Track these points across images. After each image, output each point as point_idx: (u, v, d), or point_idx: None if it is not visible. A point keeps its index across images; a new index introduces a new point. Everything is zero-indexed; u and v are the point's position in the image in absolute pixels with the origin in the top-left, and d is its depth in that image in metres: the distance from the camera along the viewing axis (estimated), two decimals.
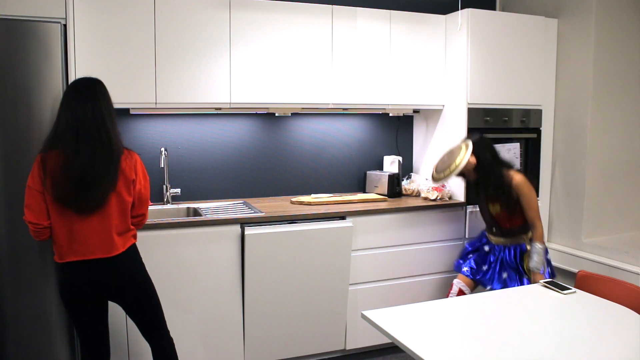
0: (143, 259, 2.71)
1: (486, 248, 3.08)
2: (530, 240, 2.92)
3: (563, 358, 1.70)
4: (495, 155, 2.98)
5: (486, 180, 2.94)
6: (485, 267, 3.04)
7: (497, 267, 2.99)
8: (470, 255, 3.13)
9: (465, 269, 3.08)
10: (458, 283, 3.04)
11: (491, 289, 2.96)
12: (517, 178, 2.88)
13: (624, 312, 2.04)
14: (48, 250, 2.39)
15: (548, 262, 2.98)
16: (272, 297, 2.98)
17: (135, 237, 2.32)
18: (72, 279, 2.17)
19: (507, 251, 2.99)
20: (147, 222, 2.75)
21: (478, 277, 3.05)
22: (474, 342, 1.80)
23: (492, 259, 3.03)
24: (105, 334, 2.32)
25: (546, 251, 2.95)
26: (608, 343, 1.81)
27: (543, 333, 1.88)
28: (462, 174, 2.99)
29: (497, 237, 3.04)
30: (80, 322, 2.24)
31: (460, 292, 3.02)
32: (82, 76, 2.25)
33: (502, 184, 2.89)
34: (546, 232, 3.85)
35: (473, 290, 3.08)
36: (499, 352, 1.73)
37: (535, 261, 2.83)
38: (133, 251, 2.30)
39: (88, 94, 2.16)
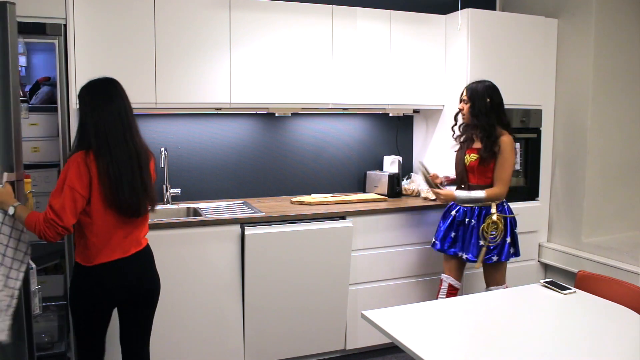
0: None
1: (453, 212, 3.03)
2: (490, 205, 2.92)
3: (563, 358, 1.70)
4: (497, 105, 2.94)
5: (475, 124, 2.93)
6: (453, 234, 3.02)
7: (468, 235, 2.96)
8: (441, 228, 3.10)
9: (436, 242, 3.08)
10: (446, 278, 3.07)
11: (467, 259, 2.96)
12: (506, 137, 2.89)
13: (624, 312, 2.04)
14: None
15: (514, 235, 2.98)
16: (272, 297, 2.98)
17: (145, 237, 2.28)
18: (102, 280, 2.09)
19: (473, 214, 2.95)
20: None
21: (452, 249, 3.03)
22: (474, 342, 1.80)
23: (457, 221, 3.00)
24: (104, 342, 2.29)
25: (514, 223, 2.98)
26: (608, 343, 1.81)
27: (543, 333, 1.88)
28: (456, 119, 3.08)
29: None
30: (92, 328, 2.17)
31: (450, 287, 3.05)
32: (98, 77, 2.16)
33: (489, 132, 2.89)
34: (546, 232, 3.85)
35: (461, 278, 3.10)
36: (498, 352, 1.73)
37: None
38: (150, 250, 2.28)
39: (111, 95, 2.10)
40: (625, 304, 2.11)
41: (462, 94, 3.01)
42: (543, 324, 1.98)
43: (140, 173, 2.09)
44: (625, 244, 3.47)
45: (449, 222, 3.04)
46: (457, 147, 3.09)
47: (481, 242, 2.91)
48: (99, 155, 2.01)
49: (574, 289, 2.26)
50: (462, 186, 3.02)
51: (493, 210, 2.91)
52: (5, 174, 2.14)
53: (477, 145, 2.96)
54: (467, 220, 2.97)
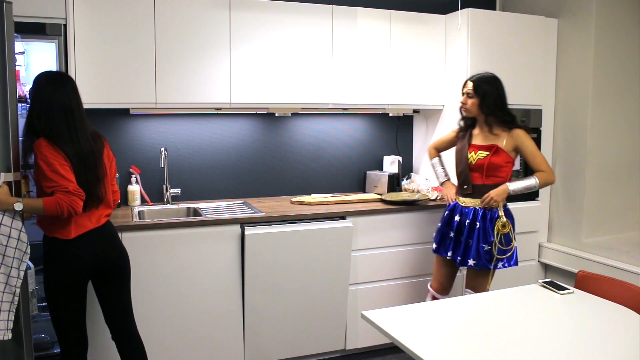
0: (143, 260, 2.73)
1: (456, 217, 2.89)
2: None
3: (563, 358, 1.70)
4: (503, 97, 2.85)
5: (490, 116, 2.80)
6: (454, 237, 2.88)
7: (474, 239, 2.80)
8: (444, 233, 2.97)
9: (434, 246, 3.00)
10: (430, 291, 3.07)
11: (469, 265, 2.82)
12: (519, 129, 2.81)
13: (624, 312, 2.04)
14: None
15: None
16: (272, 297, 2.98)
17: (108, 216, 2.41)
18: (78, 251, 2.22)
19: (477, 217, 2.81)
20: (147, 222, 2.78)
21: (449, 254, 2.90)
22: (473, 342, 1.80)
23: (459, 224, 2.87)
24: (85, 331, 2.35)
25: (512, 219, 2.84)
26: (608, 343, 1.81)
27: (543, 333, 1.88)
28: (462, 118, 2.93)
29: (468, 197, 2.86)
30: (70, 307, 2.25)
31: (434, 299, 2.99)
32: (53, 70, 2.32)
33: (505, 124, 2.81)
34: (546, 232, 3.85)
35: (450, 288, 3.04)
36: (498, 352, 1.73)
37: (515, 188, 2.78)
38: (112, 225, 2.44)
39: (64, 85, 2.23)
40: (625, 304, 2.12)
41: (465, 85, 2.88)
42: (542, 324, 1.98)
43: (92, 169, 2.24)
44: (625, 244, 3.47)
45: (454, 226, 2.90)
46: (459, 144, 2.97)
47: (486, 247, 2.78)
48: (57, 144, 2.14)
49: (572, 289, 2.27)
50: (465, 187, 2.88)
51: (501, 212, 2.79)
52: (2, 174, 2.15)
53: (482, 141, 2.83)
54: (468, 222, 2.83)
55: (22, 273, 2.18)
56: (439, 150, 3.18)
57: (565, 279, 3.48)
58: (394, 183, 3.63)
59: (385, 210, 3.27)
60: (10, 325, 2.15)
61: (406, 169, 3.96)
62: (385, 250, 3.28)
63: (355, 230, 3.16)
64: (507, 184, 2.81)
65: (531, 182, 2.81)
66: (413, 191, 3.65)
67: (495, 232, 2.79)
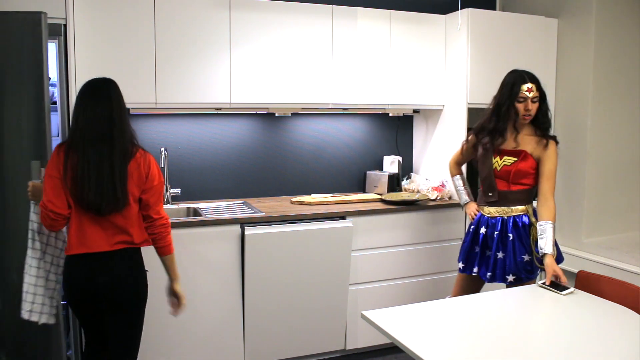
0: (143, 259, 2.70)
1: (482, 230, 2.65)
2: (534, 216, 2.58)
3: (563, 358, 1.70)
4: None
5: (542, 114, 2.56)
6: (477, 249, 2.65)
7: (510, 252, 2.55)
8: (475, 251, 2.70)
9: (461, 266, 2.70)
10: None
11: (492, 278, 2.61)
12: (553, 141, 2.60)
13: (624, 312, 2.04)
14: None
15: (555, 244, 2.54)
16: (272, 297, 2.98)
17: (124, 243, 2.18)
18: (73, 270, 2.14)
19: (509, 226, 2.57)
20: None
21: (474, 270, 2.66)
22: (473, 342, 1.80)
23: (481, 237, 2.64)
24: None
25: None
26: (608, 343, 1.81)
27: (543, 333, 1.88)
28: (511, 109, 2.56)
29: (494, 206, 2.63)
30: (80, 319, 2.26)
31: None
32: (96, 77, 2.23)
33: (540, 129, 2.57)
34: None
35: None
36: (498, 352, 1.73)
37: (546, 242, 2.42)
38: (130, 254, 2.20)
39: (101, 94, 2.15)
40: (625, 304, 2.11)
41: (529, 88, 2.51)
42: (543, 324, 1.98)
43: (111, 174, 2.08)
44: (625, 244, 3.46)
45: (480, 239, 2.66)
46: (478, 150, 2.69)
47: (526, 258, 2.55)
48: (72, 149, 2.10)
49: (572, 289, 2.26)
50: (490, 194, 2.63)
51: (533, 219, 2.58)
52: (43, 169, 2.25)
53: (507, 146, 2.59)
54: (497, 234, 2.59)
55: (62, 261, 2.28)
56: (460, 164, 2.94)
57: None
58: (394, 183, 3.63)
59: (385, 210, 3.27)
60: (54, 310, 2.27)
61: (406, 169, 3.96)
62: (385, 250, 3.28)
63: (355, 230, 3.16)
64: (549, 253, 2.41)
65: (552, 229, 2.47)
66: (413, 191, 3.64)
67: (532, 240, 2.56)
